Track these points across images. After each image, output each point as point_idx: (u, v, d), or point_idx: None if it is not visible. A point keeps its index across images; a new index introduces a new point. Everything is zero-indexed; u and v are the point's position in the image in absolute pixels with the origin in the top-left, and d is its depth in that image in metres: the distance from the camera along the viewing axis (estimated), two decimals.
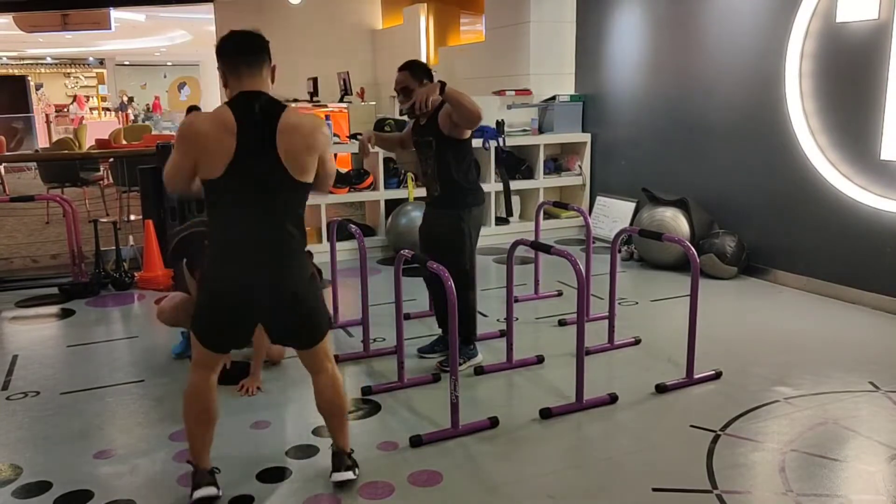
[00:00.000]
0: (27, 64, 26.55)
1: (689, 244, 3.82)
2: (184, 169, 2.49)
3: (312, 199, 6.87)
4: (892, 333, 4.47)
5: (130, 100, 25.47)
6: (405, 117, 3.96)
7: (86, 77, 28.53)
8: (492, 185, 7.03)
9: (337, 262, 4.68)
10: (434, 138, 3.75)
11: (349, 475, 2.77)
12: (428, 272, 3.42)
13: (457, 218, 3.78)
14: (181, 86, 26.98)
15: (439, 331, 4.17)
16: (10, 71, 25.31)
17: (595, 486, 2.81)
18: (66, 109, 23.06)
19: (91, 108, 25.89)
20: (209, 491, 2.65)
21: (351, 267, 5.74)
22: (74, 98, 24.42)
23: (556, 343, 4.29)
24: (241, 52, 2.53)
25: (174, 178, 2.54)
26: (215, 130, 2.42)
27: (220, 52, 2.55)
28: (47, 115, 20.31)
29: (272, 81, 2.62)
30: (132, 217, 7.97)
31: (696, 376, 3.71)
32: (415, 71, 3.75)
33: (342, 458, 2.79)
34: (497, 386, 3.79)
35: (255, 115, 2.45)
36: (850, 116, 4.96)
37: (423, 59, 10.81)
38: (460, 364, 3.63)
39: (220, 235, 2.55)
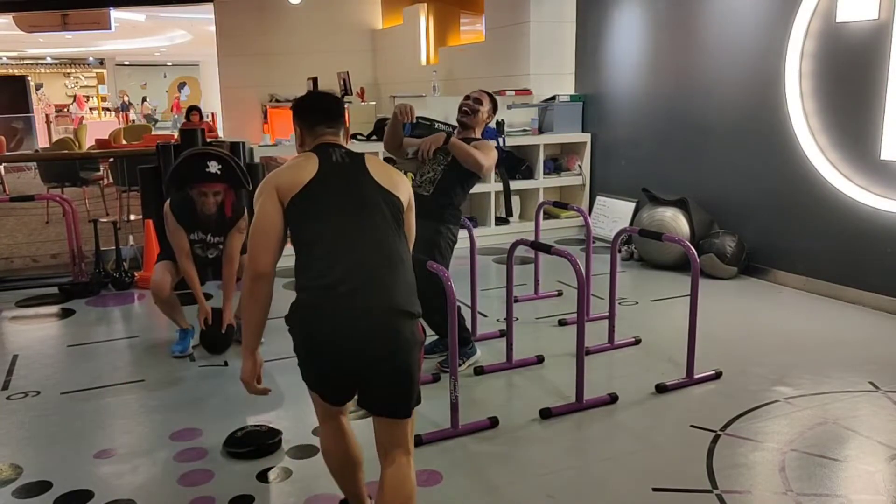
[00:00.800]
0: (27, 64, 26.56)
1: (689, 244, 3.82)
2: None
3: None
4: (892, 333, 4.48)
5: (144, 99, 25.42)
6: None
7: (86, 77, 28.53)
8: (492, 185, 7.03)
9: None
10: (445, 165, 3.84)
11: None
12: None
13: (436, 231, 3.76)
14: (181, 86, 26.99)
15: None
16: (10, 71, 25.30)
17: (595, 486, 2.81)
18: (66, 109, 23.06)
19: (91, 109, 25.90)
20: None
21: None
22: (75, 98, 24.42)
23: (556, 343, 4.29)
24: (326, 117, 2.36)
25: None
26: (296, 164, 2.26)
27: (300, 113, 2.38)
28: (47, 115, 20.31)
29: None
30: (132, 217, 7.97)
31: (696, 376, 3.72)
32: (494, 103, 4.00)
33: None
34: (497, 386, 3.79)
35: (340, 151, 2.30)
36: (850, 116, 4.96)
37: (424, 60, 10.84)
38: (460, 364, 3.63)
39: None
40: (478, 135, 3.98)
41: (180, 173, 4.05)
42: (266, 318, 2.24)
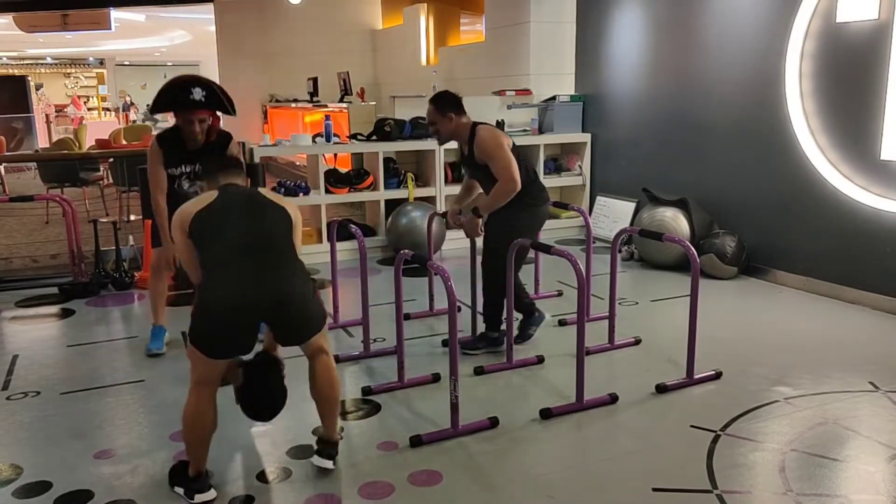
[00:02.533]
0: (27, 64, 26.54)
1: (690, 244, 3.82)
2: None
3: (313, 200, 6.85)
4: (892, 333, 4.48)
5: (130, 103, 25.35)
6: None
7: (86, 77, 28.51)
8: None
9: (337, 262, 4.67)
10: (479, 170, 3.96)
11: (328, 464, 2.86)
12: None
13: (501, 220, 3.94)
14: None
15: (441, 331, 4.18)
16: (10, 71, 25.29)
17: (595, 486, 2.81)
18: (64, 110, 23.04)
19: (90, 109, 25.88)
20: (212, 494, 2.71)
21: (351, 267, 5.73)
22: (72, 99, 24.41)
23: (556, 343, 4.29)
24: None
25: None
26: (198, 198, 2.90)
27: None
28: (47, 116, 20.29)
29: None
30: (132, 217, 7.96)
31: (696, 376, 3.72)
32: (438, 106, 3.95)
33: (328, 446, 2.89)
34: (497, 386, 3.79)
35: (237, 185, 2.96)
36: (850, 116, 4.96)
37: (423, 60, 10.84)
38: (479, 348, 4.12)
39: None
40: (464, 129, 3.95)
41: (165, 101, 4.00)
42: None
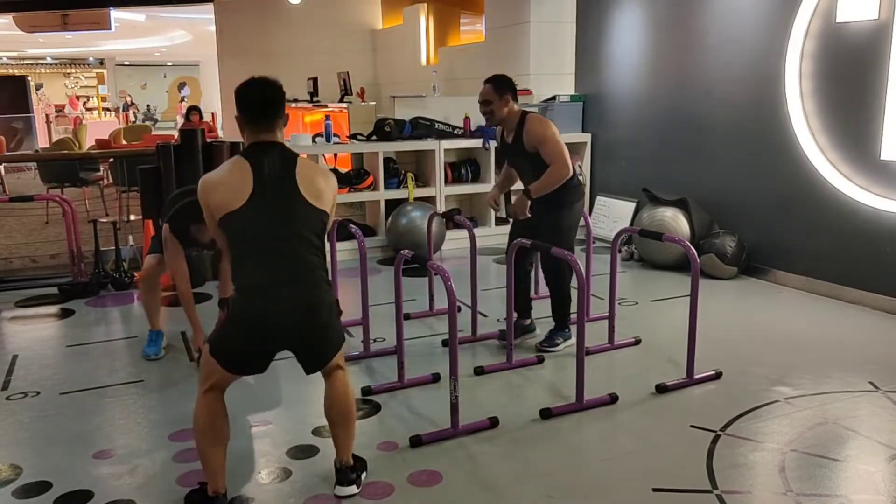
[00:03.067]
0: (27, 64, 26.54)
1: (690, 244, 3.82)
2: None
3: None
4: (892, 333, 4.48)
5: (186, 101, 25.21)
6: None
7: (86, 77, 28.52)
8: (492, 185, 7.03)
9: (337, 262, 4.67)
10: (525, 159, 3.99)
11: (352, 490, 2.73)
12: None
13: (559, 217, 4.01)
14: (181, 86, 26.99)
15: (441, 331, 4.18)
16: (10, 71, 25.29)
17: (595, 486, 2.81)
18: (62, 110, 23.05)
19: (90, 109, 25.88)
20: None
21: (351, 267, 5.73)
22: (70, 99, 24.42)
23: None
24: (264, 111, 2.62)
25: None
26: (231, 177, 2.54)
27: (240, 105, 2.64)
28: (47, 116, 20.30)
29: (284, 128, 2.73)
30: (132, 217, 7.96)
31: (696, 376, 3.71)
32: (497, 85, 3.99)
33: (345, 473, 2.75)
34: (497, 386, 3.79)
35: (273, 159, 2.57)
36: (850, 116, 4.96)
37: (423, 60, 10.84)
38: (557, 343, 4.17)
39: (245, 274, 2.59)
40: (514, 116, 4.00)
41: (180, 216, 3.93)
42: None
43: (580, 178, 4.22)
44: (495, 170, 7.03)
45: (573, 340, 4.13)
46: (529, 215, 3.96)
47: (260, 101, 2.62)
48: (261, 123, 2.60)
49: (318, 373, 2.73)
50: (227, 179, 2.54)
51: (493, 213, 7.16)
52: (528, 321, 4.36)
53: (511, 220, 4.32)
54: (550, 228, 3.98)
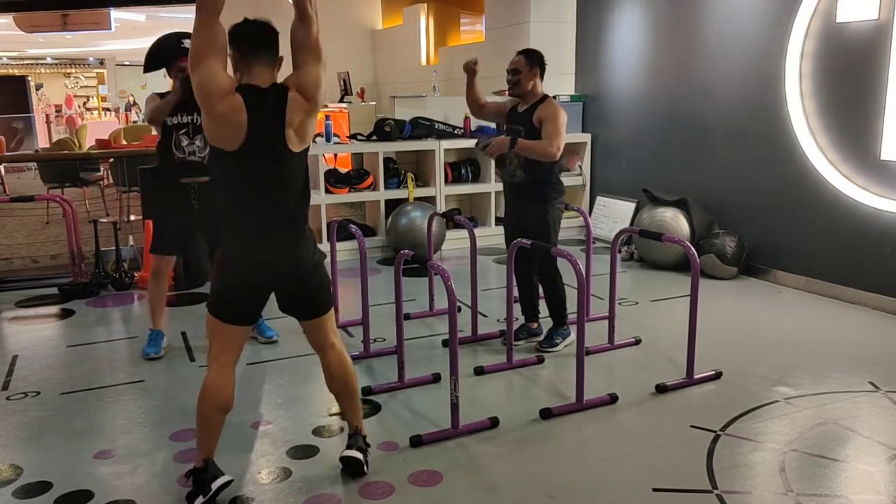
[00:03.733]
0: (27, 64, 26.52)
1: (690, 244, 3.82)
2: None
3: (313, 200, 6.85)
4: (892, 333, 4.48)
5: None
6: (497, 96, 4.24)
7: (86, 77, 28.51)
8: (492, 185, 7.04)
9: (337, 262, 4.68)
10: (524, 128, 3.98)
11: (357, 454, 2.83)
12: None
13: (542, 212, 4.03)
14: None
15: (441, 331, 4.18)
16: (10, 71, 25.28)
17: (595, 486, 2.81)
18: (60, 110, 23.05)
19: (90, 109, 25.86)
20: (226, 478, 2.70)
21: (351, 267, 5.73)
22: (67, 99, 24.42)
23: None
24: (257, 47, 2.77)
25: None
26: (229, 112, 2.56)
27: (234, 41, 2.79)
28: (47, 115, 20.29)
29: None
30: (132, 217, 7.96)
31: (696, 376, 3.71)
32: (529, 57, 4.06)
33: (356, 438, 2.88)
34: (497, 386, 3.79)
35: (265, 106, 2.61)
36: (850, 117, 4.96)
37: (424, 60, 10.84)
38: (557, 343, 4.16)
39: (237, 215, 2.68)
40: (536, 95, 4.03)
41: (157, 56, 3.96)
42: None
43: (561, 177, 4.19)
44: (496, 169, 7.03)
45: (573, 338, 4.14)
46: (494, 154, 4.01)
47: (254, 35, 2.80)
48: (254, 59, 2.71)
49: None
50: (226, 110, 2.55)
51: (493, 214, 7.15)
52: (536, 324, 4.35)
53: (505, 222, 4.33)
54: (538, 224, 4.00)
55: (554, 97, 7.30)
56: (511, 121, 4.14)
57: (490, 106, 4.31)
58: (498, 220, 7.22)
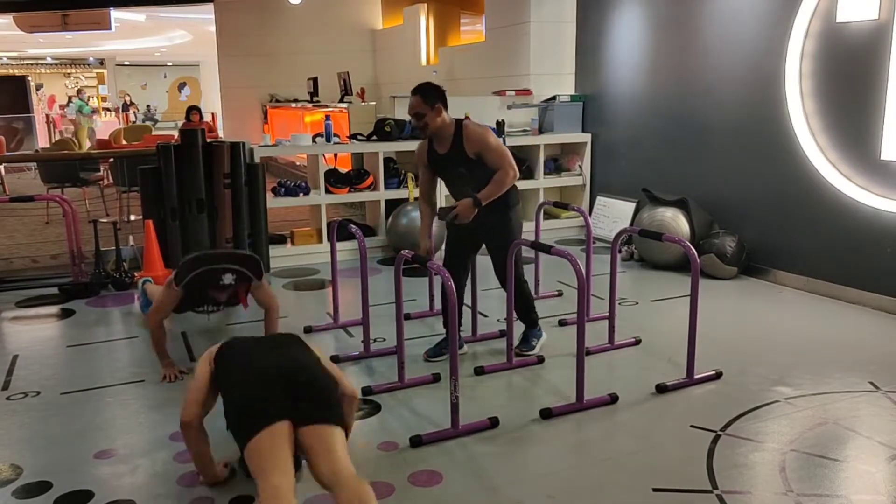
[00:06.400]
0: (27, 64, 26.52)
1: (690, 244, 3.82)
2: None
3: (313, 200, 6.82)
4: (892, 333, 4.48)
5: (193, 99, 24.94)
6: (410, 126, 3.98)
7: (86, 77, 28.50)
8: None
9: (337, 262, 4.68)
10: (464, 167, 3.84)
11: None
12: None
13: (506, 219, 3.94)
14: (181, 86, 26.97)
15: (442, 331, 4.18)
16: (10, 71, 25.29)
17: (595, 486, 2.81)
18: (62, 109, 23.03)
19: None
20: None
21: (351, 267, 5.74)
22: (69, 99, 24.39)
23: (556, 343, 4.28)
24: None
25: None
26: None
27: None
28: (47, 116, 20.30)
29: None
30: (132, 217, 7.97)
31: (696, 376, 3.71)
32: (425, 96, 3.83)
33: None
34: (497, 386, 3.79)
35: None
36: (850, 116, 4.96)
37: (424, 60, 10.84)
38: (534, 345, 4.10)
39: None
40: (447, 126, 3.85)
41: (193, 284, 3.89)
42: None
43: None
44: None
45: (545, 337, 4.17)
46: (469, 222, 3.80)
47: None
48: None
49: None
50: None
51: None
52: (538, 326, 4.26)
53: (450, 228, 4.10)
54: (503, 230, 3.92)
55: (553, 98, 7.41)
56: (442, 167, 3.95)
57: (429, 183, 4.09)
58: None
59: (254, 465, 2.34)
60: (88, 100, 21.02)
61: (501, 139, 6.71)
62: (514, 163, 3.82)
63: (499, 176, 3.78)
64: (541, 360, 4.05)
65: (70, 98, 23.53)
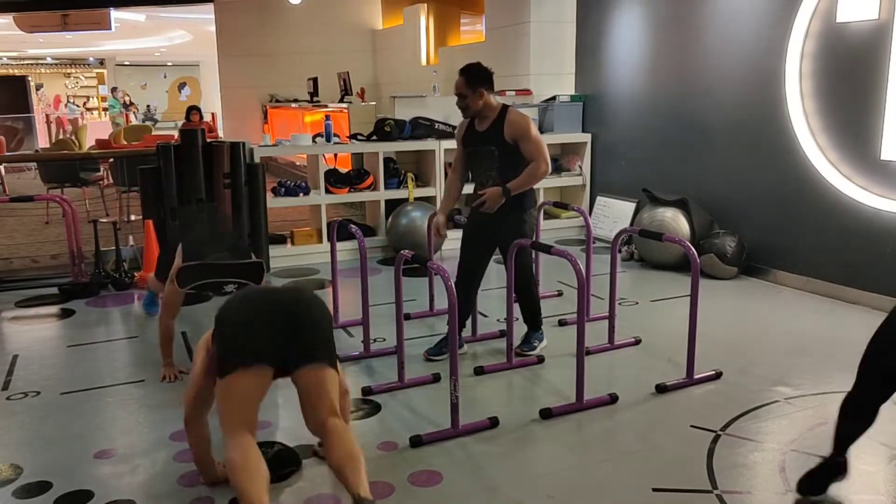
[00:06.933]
0: (27, 64, 26.50)
1: (690, 244, 3.82)
2: None
3: (313, 200, 6.84)
4: None
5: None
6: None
7: (86, 77, 28.49)
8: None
9: (337, 262, 4.68)
10: (497, 148, 3.83)
11: None
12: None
13: (521, 220, 3.91)
14: (181, 86, 26.96)
15: (441, 331, 4.18)
16: (10, 71, 25.28)
17: (595, 486, 2.81)
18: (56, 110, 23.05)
19: (90, 109, 25.84)
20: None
21: (351, 267, 5.74)
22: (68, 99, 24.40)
23: (556, 343, 4.29)
24: None
25: None
26: None
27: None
28: (47, 116, 20.30)
29: None
30: (132, 217, 7.97)
31: (696, 376, 3.72)
32: (469, 79, 3.85)
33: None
34: (497, 386, 3.79)
35: None
36: (850, 116, 4.96)
37: (424, 60, 10.84)
38: (535, 346, 4.09)
39: None
40: (492, 109, 3.86)
41: (199, 286, 3.88)
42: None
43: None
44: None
45: (546, 341, 4.17)
46: (493, 209, 3.79)
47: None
48: None
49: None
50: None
51: None
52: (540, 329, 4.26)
53: (466, 226, 4.14)
54: (514, 232, 3.87)
55: (553, 98, 7.41)
56: (475, 142, 3.93)
57: (463, 161, 4.08)
58: None
59: (220, 405, 2.43)
60: (123, 98, 21.07)
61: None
62: (548, 158, 3.84)
63: (532, 168, 3.79)
64: (541, 359, 4.05)
65: (69, 98, 23.55)
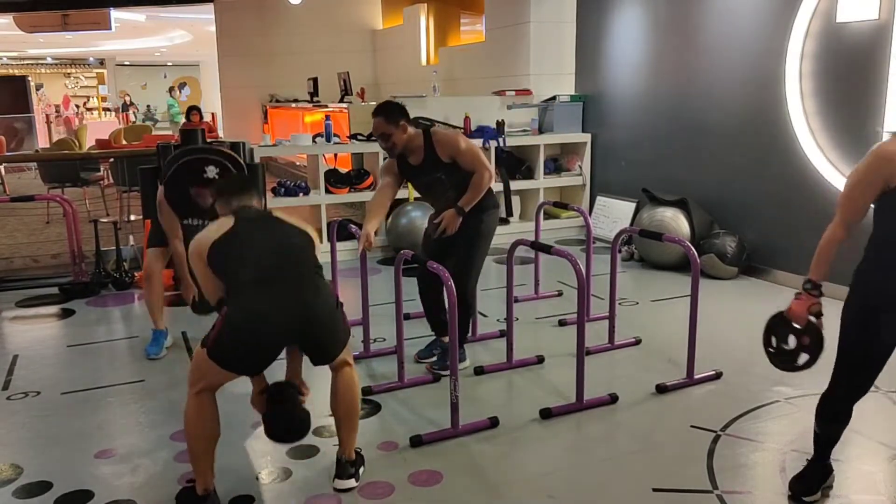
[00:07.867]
0: (27, 64, 26.52)
1: (690, 244, 3.82)
2: None
3: (313, 200, 6.83)
4: None
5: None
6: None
7: (86, 77, 28.50)
8: (492, 186, 7.04)
9: (337, 262, 4.68)
10: (442, 172, 3.76)
11: (350, 483, 2.78)
12: (424, 275, 3.59)
13: (479, 220, 3.81)
14: (181, 86, 26.98)
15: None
16: (10, 71, 25.29)
17: (595, 486, 2.81)
18: (59, 111, 23.06)
19: (90, 109, 25.86)
20: None
21: (351, 267, 5.74)
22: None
23: (556, 343, 4.29)
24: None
25: None
26: None
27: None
28: (47, 116, 20.30)
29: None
30: (132, 217, 7.96)
31: (696, 376, 3.72)
32: (388, 116, 3.74)
33: (345, 467, 2.80)
34: (497, 386, 3.79)
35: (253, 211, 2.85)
36: (850, 116, 4.96)
37: (424, 60, 10.84)
38: (447, 367, 3.62)
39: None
40: (416, 138, 3.77)
41: (177, 177, 4.00)
42: None
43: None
44: (497, 169, 7.02)
45: (469, 362, 3.99)
46: (454, 230, 3.72)
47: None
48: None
49: (319, 370, 2.73)
50: (210, 227, 2.73)
51: None
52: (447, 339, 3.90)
53: (424, 238, 4.05)
54: (472, 235, 3.79)
55: (553, 98, 7.41)
56: (417, 175, 3.85)
57: (389, 186, 3.91)
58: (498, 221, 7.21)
59: (195, 371, 2.63)
60: (179, 98, 21.11)
61: (501, 139, 6.72)
62: (487, 163, 3.76)
63: (475, 180, 3.72)
64: (541, 360, 4.05)
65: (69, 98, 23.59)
